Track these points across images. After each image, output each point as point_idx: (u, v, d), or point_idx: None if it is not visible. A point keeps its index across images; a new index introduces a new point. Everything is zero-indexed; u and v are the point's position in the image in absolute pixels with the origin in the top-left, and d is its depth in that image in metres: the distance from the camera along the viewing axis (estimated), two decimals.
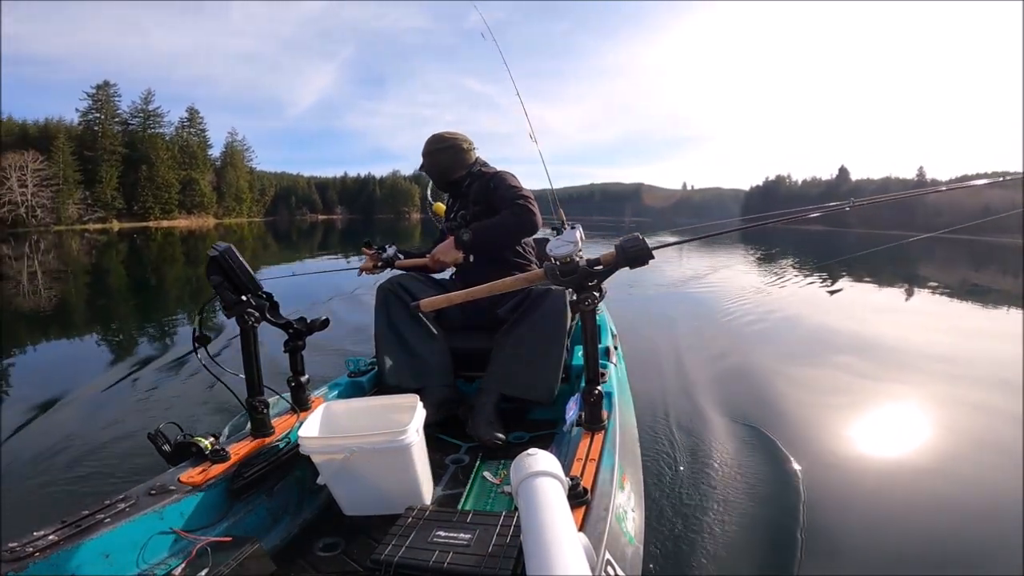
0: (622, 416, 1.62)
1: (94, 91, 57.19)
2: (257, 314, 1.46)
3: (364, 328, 3.20)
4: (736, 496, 2.21)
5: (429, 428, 1.59)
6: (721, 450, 2.61)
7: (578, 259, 1.45)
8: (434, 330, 2.15)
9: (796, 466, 2.44)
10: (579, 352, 2.09)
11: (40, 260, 16.78)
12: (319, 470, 1.43)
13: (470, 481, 1.67)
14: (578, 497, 1.12)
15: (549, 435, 1.94)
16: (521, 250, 2.34)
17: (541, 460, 1.03)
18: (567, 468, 1.20)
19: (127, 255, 19.62)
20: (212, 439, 1.39)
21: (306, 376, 1.71)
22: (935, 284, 10.81)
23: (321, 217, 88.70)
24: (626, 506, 1.26)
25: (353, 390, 2.04)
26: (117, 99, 58.57)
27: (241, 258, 1.41)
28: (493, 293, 1.62)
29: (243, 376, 1.47)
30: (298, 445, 1.44)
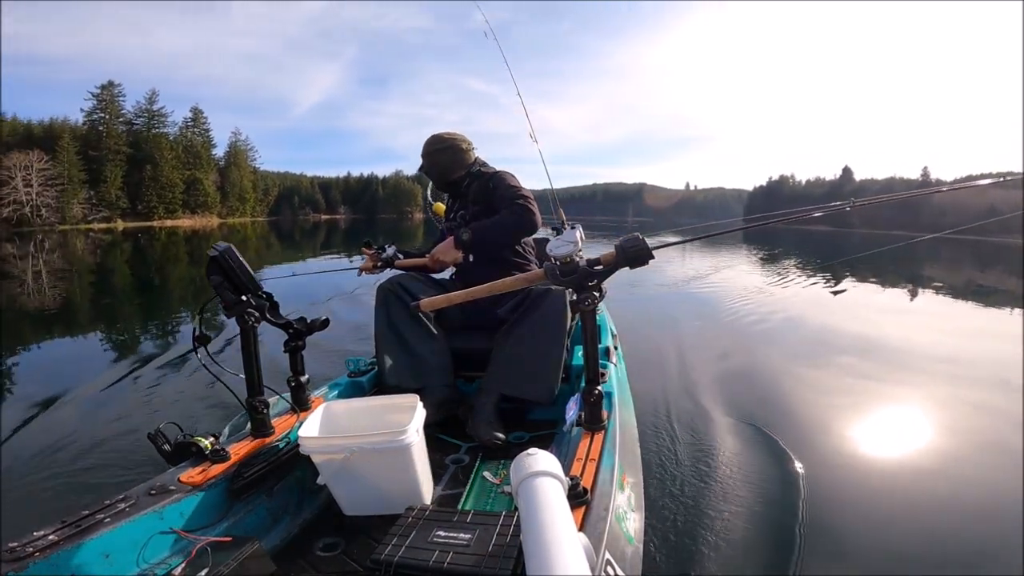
0: (622, 416, 1.61)
1: (99, 91, 57.48)
2: (257, 314, 1.46)
3: (364, 328, 3.21)
4: (737, 496, 2.20)
5: (429, 428, 1.59)
6: (722, 449, 2.60)
7: (578, 259, 1.45)
8: (434, 330, 2.15)
9: (798, 466, 2.44)
10: (579, 352, 2.09)
11: (45, 259, 16.84)
12: (319, 470, 1.43)
13: (470, 481, 1.67)
14: (578, 497, 1.12)
15: (549, 435, 1.94)
16: (521, 250, 2.34)
17: (541, 460, 1.03)
18: (567, 468, 1.20)
19: (131, 255, 19.68)
20: (212, 439, 1.39)
21: (306, 376, 1.71)
22: (940, 285, 10.77)
23: (324, 217, 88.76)
24: (626, 506, 1.26)
25: (353, 390, 2.04)
26: (121, 99, 58.90)
27: (241, 258, 1.41)
28: (493, 293, 1.63)
29: (243, 376, 1.47)
30: (298, 445, 1.44)
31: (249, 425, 1.52)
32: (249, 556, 1.15)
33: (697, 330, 5.51)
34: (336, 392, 1.96)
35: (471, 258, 2.23)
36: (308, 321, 1.68)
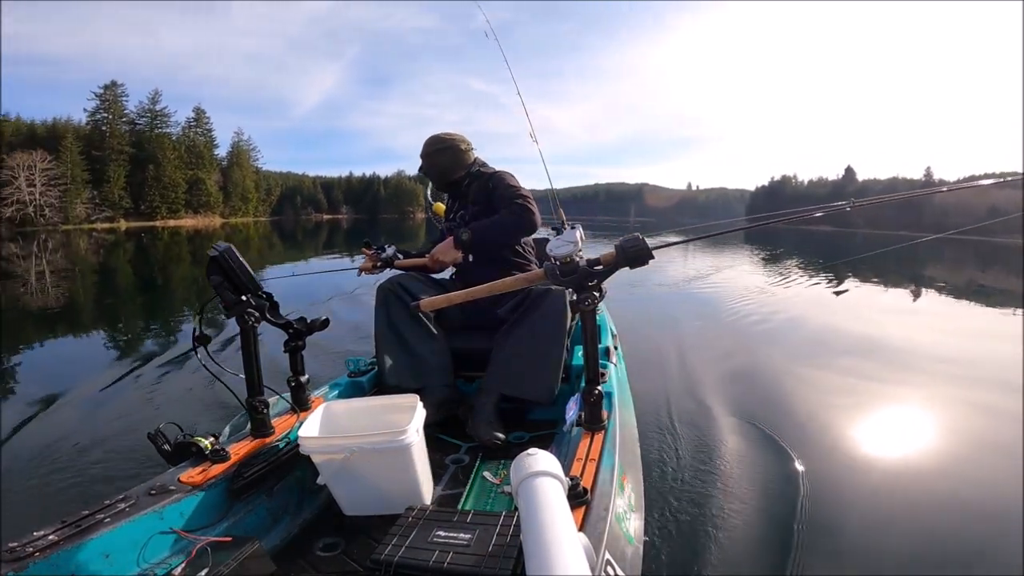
0: (622, 416, 1.61)
1: (102, 91, 57.60)
2: (257, 314, 1.46)
3: (364, 328, 3.21)
4: (737, 495, 2.20)
5: (429, 428, 1.60)
6: (722, 449, 2.60)
7: (578, 259, 1.46)
8: (434, 330, 2.15)
9: (798, 465, 2.44)
10: (579, 352, 2.09)
11: (48, 259, 16.89)
12: (319, 470, 1.43)
13: (470, 481, 1.67)
14: (578, 497, 1.12)
15: (549, 435, 1.94)
16: (520, 250, 2.34)
17: (541, 460, 1.03)
18: (567, 468, 1.20)
19: (134, 254, 19.74)
20: (212, 439, 1.39)
21: (306, 376, 1.71)
22: (942, 285, 10.75)
23: (326, 217, 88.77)
24: (626, 506, 1.26)
25: (353, 390, 2.04)
26: (125, 99, 59.00)
27: (241, 258, 1.41)
28: (493, 293, 1.63)
29: (243, 376, 1.47)
30: (298, 445, 1.44)
31: (249, 425, 1.52)
32: (249, 556, 1.15)
33: (698, 330, 5.51)
34: (336, 392, 1.96)
35: (471, 258, 2.24)
36: (308, 321, 1.68)
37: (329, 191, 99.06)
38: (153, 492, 1.21)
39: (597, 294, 1.45)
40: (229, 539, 1.18)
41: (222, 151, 69.66)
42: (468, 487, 1.64)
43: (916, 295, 9.25)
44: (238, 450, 1.42)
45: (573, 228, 1.46)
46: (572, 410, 1.59)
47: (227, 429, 1.56)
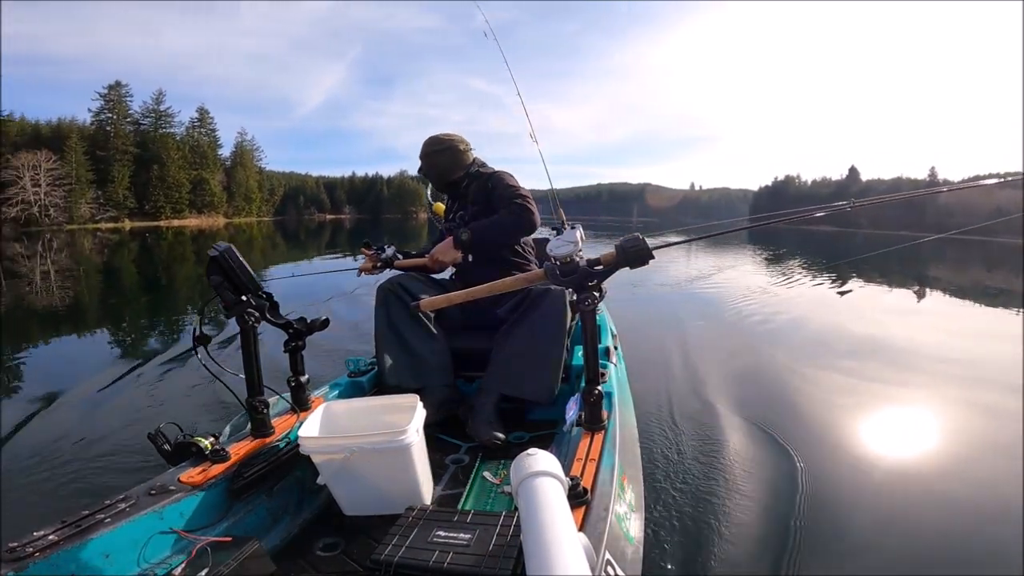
0: (622, 416, 1.61)
1: (106, 91, 57.73)
2: (257, 314, 1.46)
3: (364, 328, 3.22)
4: (738, 495, 2.20)
5: (429, 428, 1.60)
6: (723, 449, 2.60)
7: (578, 259, 1.45)
8: (434, 330, 2.15)
9: (800, 466, 2.43)
10: (579, 352, 2.08)
11: (52, 259, 16.96)
12: (319, 470, 1.44)
13: (470, 481, 1.67)
14: (578, 497, 1.12)
15: (549, 435, 1.94)
16: (520, 249, 2.34)
17: (541, 460, 1.03)
18: (567, 468, 1.20)
19: (138, 254, 19.80)
20: (212, 439, 1.39)
21: (306, 376, 1.71)
22: (947, 285, 10.71)
23: (329, 217, 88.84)
24: (626, 506, 1.26)
25: (353, 390, 2.04)
26: (129, 99, 59.12)
27: (241, 258, 1.41)
28: (493, 293, 1.63)
29: (243, 376, 1.47)
30: (298, 445, 1.44)
31: (249, 425, 1.52)
32: (249, 556, 1.15)
33: (700, 330, 5.49)
34: (336, 392, 1.96)
35: (470, 258, 2.24)
36: (308, 321, 1.68)
37: (332, 191, 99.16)
38: (153, 492, 1.21)
39: (597, 294, 1.45)
40: (229, 539, 1.18)
41: (226, 151, 69.91)
42: (468, 487, 1.64)
43: (920, 295, 9.22)
44: (238, 450, 1.42)
45: (573, 228, 1.46)
46: (572, 410, 1.59)
47: (227, 429, 1.57)
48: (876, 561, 1.87)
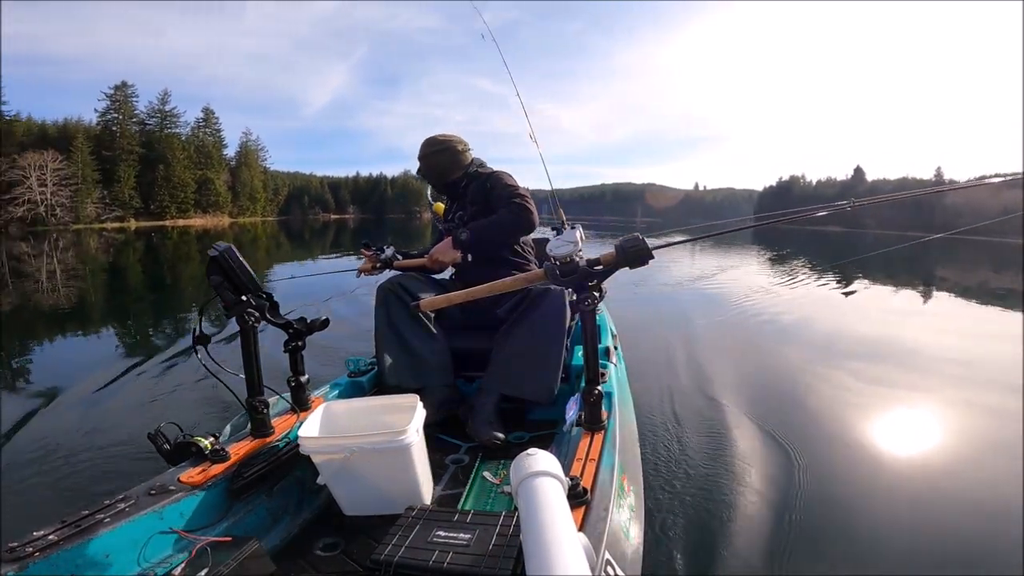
0: (622, 416, 1.61)
1: (112, 91, 57.99)
2: (257, 314, 1.47)
3: (364, 328, 3.22)
4: (738, 495, 2.20)
5: (429, 428, 1.60)
6: (724, 449, 2.60)
7: (578, 259, 1.45)
8: (434, 330, 2.15)
9: (802, 466, 2.43)
10: (579, 352, 2.08)
11: (59, 258, 17.06)
12: (319, 470, 1.44)
13: (470, 481, 1.67)
14: (578, 497, 1.12)
15: (549, 435, 1.93)
16: (520, 249, 2.34)
17: (541, 460, 1.03)
18: (567, 468, 1.20)
19: (144, 253, 19.90)
20: (212, 439, 1.40)
21: (306, 376, 1.71)
22: (953, 286, 10.65)
23: (333, 216, 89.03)
24: (626, 506, 1.26)
25: (353, 390, 2.05)
26: (135, 99, 59.34)
27: (241, 258, 1.42)
28: (493, 293, 1.63)
29: (243, 376, 1.47)
30: (298, 445, 1.44)
31: (249, 425, 1.53)
32: (249, 556, 1.15)
33: (701, 330, 5.47)
34: (336, 392, 1.97)
35: (470, 258, 2.24)
36: (308, 321, 1.68)
37: (336, 191, 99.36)
38: (153, 492, 1.21)
39: (597, 294, 1.45)
40: (229, 539, 1.19)
41: (230, 151, 70.11)
42: (468, 487, 1.64)
43: (927, 296, 9.17)
44: (238, 450, 1.42)
45: (573, 228, 1.46)
46: (572, 410, 1.59)
47: (227, 429, 1.57)
48: (877, 561, 1.86)
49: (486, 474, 1.70)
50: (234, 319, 1.46)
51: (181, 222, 55.47)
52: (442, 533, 1.16)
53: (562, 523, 0.84)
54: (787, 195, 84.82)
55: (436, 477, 1.66)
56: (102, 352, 5.01)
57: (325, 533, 1.46)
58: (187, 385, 3.65)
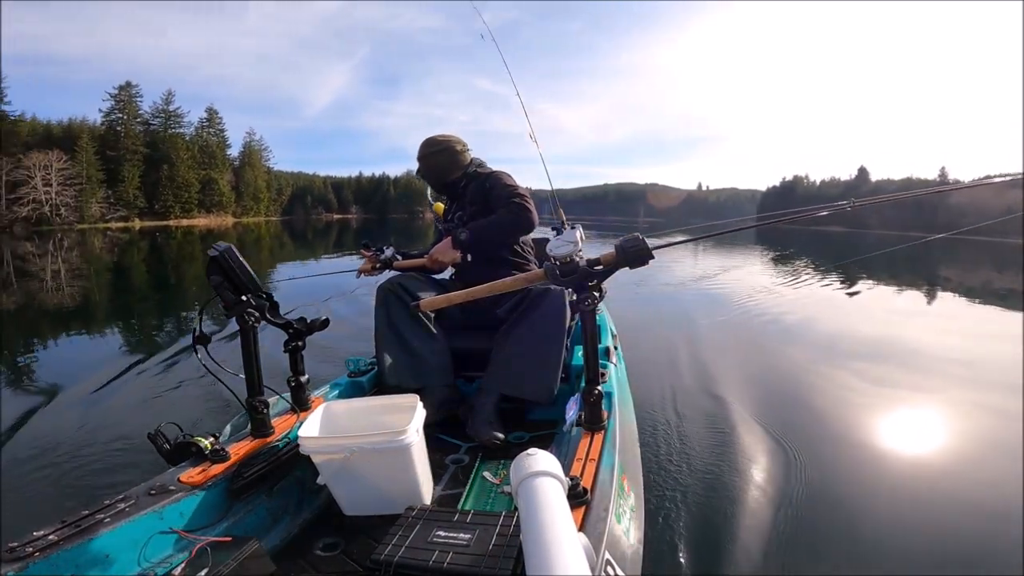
0: (622, 416, 1.61)
1: (117, 91, 58.15)
2: (257, 314, 1.47)
3: (364, 328, 3.22)
4: (739, 495, 2.19)
5: (429, 428, 1.60)
6: (725, 449, 2.59)
7: (578, 259, 1.45)
8: (434, 330, 2.15)
9: (801, 465, 2.43)
10: (579, 352, 2.08)
11: (63, 258, 17.13)
12: (319, 470, 1.44)
13: (470, 481, 1.67)
14: (578, 497, 1.12)
15: (549, 435, 1.93)
16: (520, 249, 2.34)
17: (541, 460, 1.03)
18: (567, 468, 1.20)
19: (148, 253, 19.96)
20: (212, 439, 1.40)
21: (306, 376, 1.72)
22: (956, 286, 10.61)
23: (336, 216, 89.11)
24: (626, 506, 1.25)
25: (353, 390, 2.05)
26: (139, 99, 59.51)
27: (241, 258, 1.42)
28: (493, 293, 1.63)
29: (243, 376, 1.47)
30: (298, 445, 1.44)
31: (249, 425, 1.53)
32: (249, 556, 1.16)
33: (703, 330, 5.46)
34: (336, 392, 1.97)
35: (469, 258, 2.24)
36: (308, 321, 1.68)
37: (339, 191, 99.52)
38: (153, 492, 1.21)
39: (597, 294, 1.45)
40: (229, 539, 1.19)
41: (234, 151, 70.22)
42: (468, 487, 1.64)
43: (931, 296, 9.14)
44: (238, 450, 1.42)
45: (573, 228, 1.46)
46: (572, 410, 1.59)
47: (227, 429, 1.57)
48: (879, 561, 1.86)
49: (486, 474, 1.70)
50: (234, 319, 1.46)
51: (185, 222, 55.61)
52: (442, 533, 1.16)
53: (562, 523, 0.84)
54: (791, 195, 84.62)
55: (436, 477, 1.66)
56: (105, 351, 5.02)
57: (325, 533, 1.46)
58: (188, 384, 3.66)
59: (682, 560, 1.79)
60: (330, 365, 3.23)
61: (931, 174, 69.89)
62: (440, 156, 2.32)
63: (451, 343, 2.17)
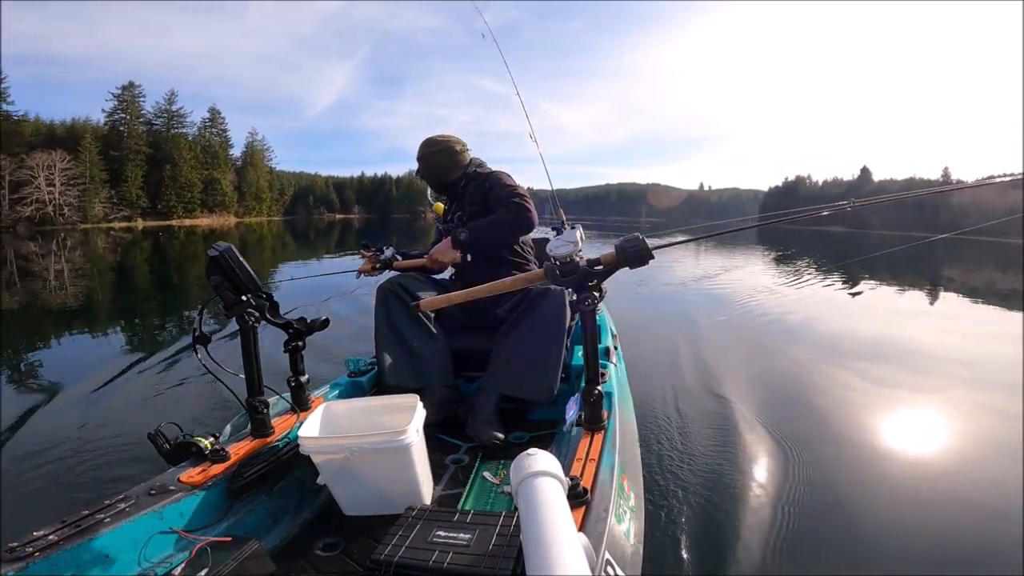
0: (622, 416, 1.61)
1: (119, 91, 58.23)
2: (257, 314, 1.47)
3: (364, 328, 3.23)
4: (739, 495, 2.19)
5: (429, 428, 1.60)
6: (725, 449, 2.59)
7: (578, 259, 1.45)
8: (434, 330, 2.15)
9: (801, 465, 2.42)
10: (579, 352, 2.08)
11: (67, 257, 17.16)
12: (319, 470, 1.44)
13: (470, 481, 1.67)
14: (578, 497, 1.12)
15: (549, 435, 1.93)
16: (519, 249, 2.34)
17: (541, 460, 1.03)
18: (567, 468, 1.20)
19: (151, 253, 19.99)
20: (212, 439, 1.40)
21: (306, 376, 1.72)
22: (959, 286, 10.58)
23: (338, 216, 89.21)
24: (626, 506, 1.25)
25: (353, 390, 2.05)
26: (142, 100, 59.59)
27: (241, 258, 1.42)
28: (493, 293, 1.63)
29: (243, 376, 1.47)
30: (298, 445, 1.44)
31: (249, 425, 1.53)
32: (249, 556, 1.16)
33: (704, 330, 5.46)
34: (336, 392, 1.97)
35: (469, 258, 2.24)
36: (308, 321, 1.68)
37: (341, 191, 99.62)
38: (153, 492, 1.21)
39: (597, 294, 1.45)
40: (229, 539, 1.19)
41: (236, 151, 70.31)
42: (468, 487, 1.64)
43: (933, 296, 9.11)
44: (238, 450, 1.43)
45: (573, 228, 1.46)
46: (572, 410, 1.59)
47: (227, 429, 1.57)
48: (880, 560, 1.86)
49: (486, 474, 1.70)
50: (234, 319, 1.46)
51: (188, 222, 55.69)
52: (442, 533, 1.16)
53: (562, 523, 0.84)
54: (793, 195, 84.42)
55: (436, 477, 1.66)
56: (107, 350, 5.03)
57: (325, 533, 1.47)
58: (188, 384, 3.66)
59: (682, 560, 1.79)
60: (330, 365, 3.23)
61: (934, 174, 69.74)
62: (439, 156, 2.32)
63: (451, 343, 2.17)
